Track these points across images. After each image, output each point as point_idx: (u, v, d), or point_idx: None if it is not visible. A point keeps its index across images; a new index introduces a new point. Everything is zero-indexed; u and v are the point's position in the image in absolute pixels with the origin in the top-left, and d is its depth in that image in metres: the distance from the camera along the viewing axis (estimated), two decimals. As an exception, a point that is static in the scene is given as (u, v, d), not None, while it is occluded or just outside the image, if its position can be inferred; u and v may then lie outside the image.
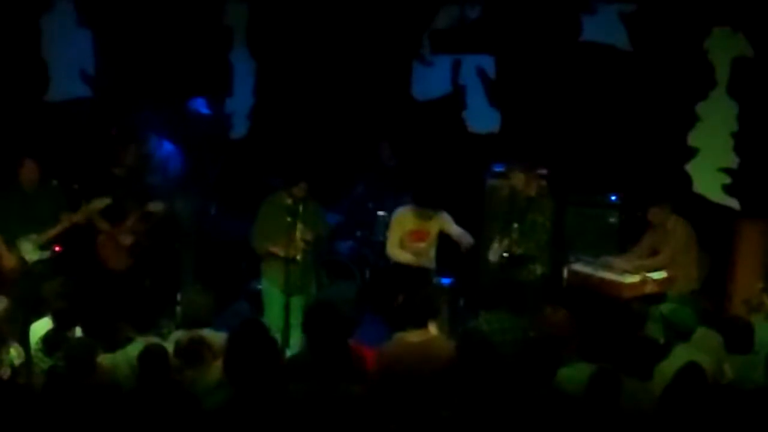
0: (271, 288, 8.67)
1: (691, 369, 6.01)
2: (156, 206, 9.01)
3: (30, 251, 8.49)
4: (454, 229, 8.77)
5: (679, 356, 6.48)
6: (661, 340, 6.95)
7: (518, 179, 8.68)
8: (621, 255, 8.92)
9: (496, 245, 8.70)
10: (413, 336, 6.68)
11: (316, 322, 6.64)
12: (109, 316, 7.80)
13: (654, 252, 8.74)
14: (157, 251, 9.13)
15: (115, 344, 7.16)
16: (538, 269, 8.55)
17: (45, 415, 5.84)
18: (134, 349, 6.60)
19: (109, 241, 8.90)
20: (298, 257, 8.38)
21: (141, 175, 9.20)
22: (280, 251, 8.40)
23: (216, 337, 6.97)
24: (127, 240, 8.89)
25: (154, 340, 6.81)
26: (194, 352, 6.57)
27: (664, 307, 7.45)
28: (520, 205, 8.62)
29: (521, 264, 8.51)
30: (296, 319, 8.23)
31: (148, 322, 7.03)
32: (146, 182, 9.23)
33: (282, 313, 8.41)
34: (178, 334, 7.02)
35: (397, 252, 8.83)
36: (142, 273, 9.04)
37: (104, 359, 6.66)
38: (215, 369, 6.51)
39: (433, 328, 7.14)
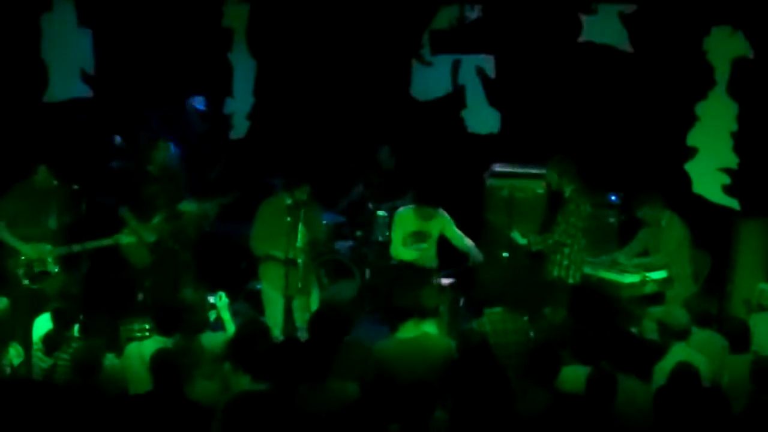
0: (270, 290, 8.58)
1: (683, 370, 6.01)
2: (188, 206, 8.99)
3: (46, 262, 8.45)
4: (458, 235, 8.76)
5: (677, 355, 6.50)
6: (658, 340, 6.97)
7: (552, 178, 8.57)
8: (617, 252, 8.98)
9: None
10: (405, 333, 6.71)
11: (321, 323, 6.65)
12: (116, 311, 7.76)
13: (646, 249, 8.75)
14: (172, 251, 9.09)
15: (116, 343, 7.17)
16: (555, 271, 8.50)
17: (48, 415, 5.85)
18: (148, 344, 6.59)
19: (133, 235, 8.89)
20: (299, 260, 8.33)
21: (175, 174, 9.17)
22: (279, 254, 8.35)
23: (214, 339, 6.98)
24: (150, 237, 8.86)
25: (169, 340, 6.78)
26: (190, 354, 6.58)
27: (656, 310, 7.46)
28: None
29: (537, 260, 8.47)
30: (300, 320, 8.22)
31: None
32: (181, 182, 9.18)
33: (282, 314, 8.37)
34: (177, 337, 7.02)
35: (400, 251, 8.80)
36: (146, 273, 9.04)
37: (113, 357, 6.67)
38: (213, 372, 6.52)
39: (432, 327, 7.15)
